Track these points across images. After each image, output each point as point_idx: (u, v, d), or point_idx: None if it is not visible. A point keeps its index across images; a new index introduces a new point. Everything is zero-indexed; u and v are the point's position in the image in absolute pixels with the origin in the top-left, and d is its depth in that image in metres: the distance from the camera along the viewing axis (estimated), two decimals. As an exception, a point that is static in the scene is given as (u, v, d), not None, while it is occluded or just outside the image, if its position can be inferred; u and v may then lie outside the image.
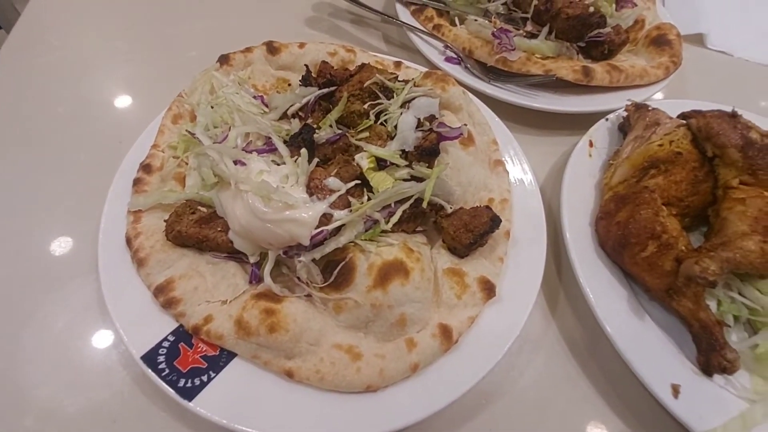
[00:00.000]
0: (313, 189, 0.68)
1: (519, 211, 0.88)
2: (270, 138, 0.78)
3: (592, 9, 1.11)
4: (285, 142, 0.79)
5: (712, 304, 0.80)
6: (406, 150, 0.81)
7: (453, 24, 1.25)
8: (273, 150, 0.75)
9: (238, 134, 0.76)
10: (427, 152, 0.78)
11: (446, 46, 1.19)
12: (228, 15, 1.37)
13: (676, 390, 0.69)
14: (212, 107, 0.83)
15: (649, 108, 0.99)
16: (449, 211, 0.78)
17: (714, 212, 0.84)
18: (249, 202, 0.64)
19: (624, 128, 1.03)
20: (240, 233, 0.68)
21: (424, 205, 0.74)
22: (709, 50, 1.49)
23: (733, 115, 0.86)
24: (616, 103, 1.09)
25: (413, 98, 0.89)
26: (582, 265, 0.82)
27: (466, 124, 0.88)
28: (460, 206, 0.82)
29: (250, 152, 0.75)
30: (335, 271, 0.68)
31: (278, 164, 0.73)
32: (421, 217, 0.82)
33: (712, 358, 0.72)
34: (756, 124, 0.86)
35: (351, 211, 0.69)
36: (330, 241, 0.68)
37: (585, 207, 0.92)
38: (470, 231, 0.76)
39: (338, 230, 0.69)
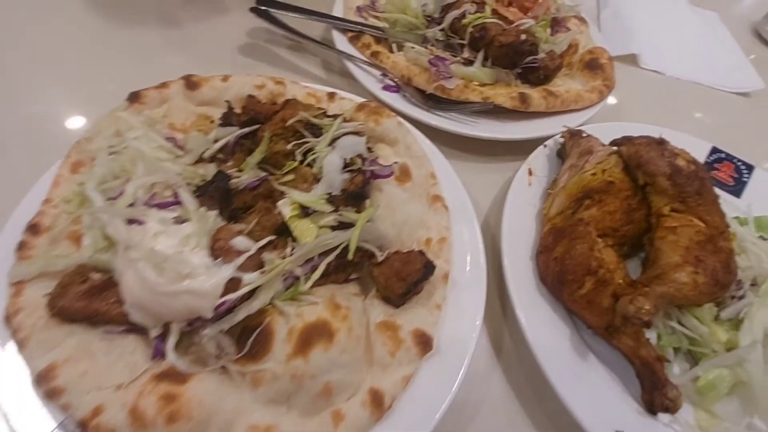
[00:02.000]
0: (218, 251, 0.61)
1: (459, 248, 0.84)
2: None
3: (524, 37, 1.10)
4: (197, 191, 0.71)
5: (653, 337, 0.79)
6: (333, 194, 0.75)
7: (391, 51, 1.22)
8: (179, 203, 0.67)
9: (138, 187, 0.68)
10: (353, 197, 0.73)
11: (384, 74, 1.15)
12: (152, 44, 1.27)
13: (620, 438, 0.66)
14: (112, 155, 0.74)
15: (583, 135, 0.98)
16: (379, 259, 0.73)
17: (649, 241, 0.83)
18: (140, 272, 0.56)
19: (561, 154, 1.02)
20: (135, 305, 0.59)
21: (350, 256, 0.68)
22: (643, 69, 1.54)
23: (661, 143, 0.86)
24: (555, 128, 1.08)
25: (343, 135, 0.84)
26: (522, 303, 0.78)
27: (396, 162, 0.83)
28: (395, 250, 0.76)
29: (154, 206, 0.67)
30: (250, 339, 0.61)
31: (183, 221, 0.65)
32: (353, 266, 0.76)
33: (655, 397, 0.70)
34: (683, 150, 0.86)
35: (264, 272, 0.62)
36: (241, 308, 0.60)
37: (526, 239, 0.89)
38: (402, 280, 0.71)
39: (252, 294, 0.62)
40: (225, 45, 1.31)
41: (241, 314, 0.60)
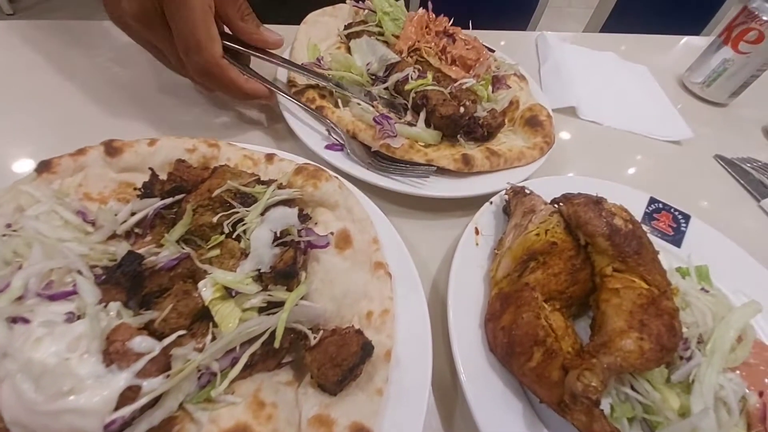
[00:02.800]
0: (113, 355, 0.53)
1: (404, 320, 0.80)
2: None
3: (462, 110, 1.13)
4: (103, 275, 0.64)
5: (606, 406, 0.76)
6: (262, 270, 0.70)
7: (336, 106, 1.21)
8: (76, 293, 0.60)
9: (30, 275, 0.60)
10: (281, 275, 0.68)
11: (329, 130, 1.14)
12: (82, 102, 1.21)
13: None
14: (5, 236, 0.65)
15: (527, 192, 0.99)
16: (312, 342, 0.67)
17: (594, 302, 0.82)
18: (17, 386, 0.48)
19: (507, 211, 1.02)
20: (14, 423, 0.50)
21: (276, 344, 0.62)
22: (582, 120, 1.62)
23: (598, 202, 0.87)
24: (500, 184, 1.08)
25: (275, 204, 0.79)
26: (471, 377, 0.74)
27: (332, 233, 0.80)
28: (330, 330, 0.71)
29: (47, 298, 0.59)
30: (155, 455, 0.53)
31: (78, 317, 0.57)
32: (284, 351, 0.70)
33: (612, 478, 0.66)
34: (620, 208, 0.88)
35: (171, 375, 0.54)
36: (141, 421, 0.52)
37: (475, 304, 0.86)
38: (338, 366, 0.65)
39: (157, 401, 0.54)
40: (159, 105, 1.26)
41: (141, 428, 0.52)
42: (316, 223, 0.87)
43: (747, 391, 0.79)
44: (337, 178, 0.95)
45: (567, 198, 0.91)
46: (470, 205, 1.09)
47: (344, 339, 0.67)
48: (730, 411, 0.74)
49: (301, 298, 0.71)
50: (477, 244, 0.96)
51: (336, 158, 1.08)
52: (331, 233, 0.79)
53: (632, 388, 0.79)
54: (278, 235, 0.73)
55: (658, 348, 0.72)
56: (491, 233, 1.00)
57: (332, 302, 0.77)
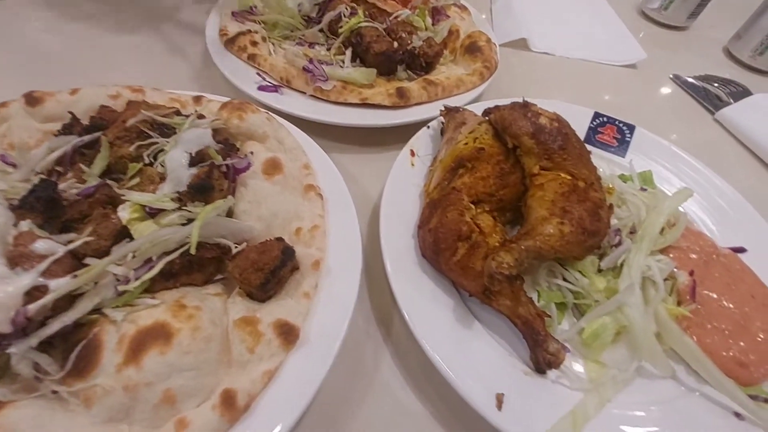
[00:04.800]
0: (17, 258, 0.56)
1: (336, 236, 0.83)
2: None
3: (396, 44, 1.15)
4: (19, 203, 0.67)
5: (534, 296, 0.80)
6: (181, 191, 0.73)
7: (270, 54, 1.23)
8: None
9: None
10: (196, 189, 0.71)
11: (259, 74, 1.16)
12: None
13: (499, 400, 0.65)
14: None
15: (459, 109, 1.02)
16: (234, 251, 0.70)
17: (523, 202, 0.86)
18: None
19: (443, 133, 1.05)
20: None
21: (192, 250, 0.65)
22: (534, 53, 1.64)
23: (525, 105, 0.90)
24: (438, 111, 1.11)
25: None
26: (401, 279, 0.78)
27: (252, 152, 0.83)
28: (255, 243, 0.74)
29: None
30: (73, 354, 0.56)
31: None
32: (211, 265, 0.73)
33: (538, 354, 0.70)
34: (547, 110, 0.90)
35: (78, 275, 0.58)
36: (54, 320, 0.56)
37: (410, 218, 0.90)
38: (260, 270, 0.68)
39: (72, 303, 0.58)
40: (94, 58, 1.28)
41: (54, 326, 0.55)
42: (245, 155, 0.90)
43: (677, 270, 0.83)
44: (266, 112, 0.98)
45: (496, 106, 0.94)
46: (412, 136, 1.11)
47: (265, 246, 0.71)
48: (657, 287, 0.78)
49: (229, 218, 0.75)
50: (413, 165, 0.99)
51: (270, 98, 1.10)
52: (251, 152, 0.82)
53: (564, 279, 0.83)
54: (194, 155, 0.75)
55: (579, 231, 0.76)
56: (428, 154, 1.03)
57: (260, 221, 0.80)
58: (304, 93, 1.14)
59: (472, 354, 0.71)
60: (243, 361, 0.64)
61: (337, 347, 0.67)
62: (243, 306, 0.70)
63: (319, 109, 1.10)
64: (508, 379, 0.70)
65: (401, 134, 1.14)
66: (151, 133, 0.80)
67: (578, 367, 0.75)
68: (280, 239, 0.72)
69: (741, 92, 1.55)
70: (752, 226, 0.98)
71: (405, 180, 0.96)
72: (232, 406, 0.59)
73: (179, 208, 0.71)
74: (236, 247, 0.71)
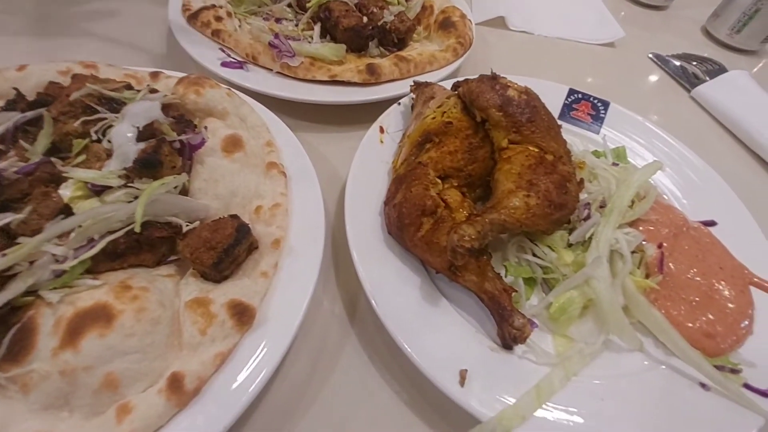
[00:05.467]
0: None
1: (299, 215, 0.81)
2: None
3: (366, 19, 1.11)
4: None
5: (502, 271, 0.79)
6: (127, 167, 0.69)
7: (235, 29, 1.18)
8: None
9: None
10: (142, 164, 0.67)
11: (223, 49, 1.11)
12: None
13: (462, 377, 0.64)
14: None
15: (428, 84, 0.99)
16: (185, 230, 0.67)
17: (491, 176, 0.84)
18: None
19: (414, 109, 1.02)
20: None
21: (136, 228, 0.62)
22: (512, 32, 1.61)
23: (493, 78, 0.88)
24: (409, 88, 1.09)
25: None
26: (364, 258, 0.75)
27: (206, 127, 0.79)
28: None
29: None
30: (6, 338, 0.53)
31: None
32: (165, 244, 0.70)
33: (504, 329, 0.69)
34: (516, 83, 0.88)
35: (6, 254, 0.54)
36: (-19, 302, 0.52)
37: (377, 196, 0.87)
38: (212, 248, 0.65)
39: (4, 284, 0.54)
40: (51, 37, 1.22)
41: (-19, 309, 0.52)
42: (201, 131, 0.86)
43: (646, 243, 0.82)
44: (227, 88, 0.94)
45: (465, 80, 0.92)
46: (383, 113, 1.09)
47: (218, 224, 0.68)
48: (625, 260, 0.77)
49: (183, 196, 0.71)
50: (382, 142, 0.96)
51: (234, 75, 1.06)
52: (205, 127, 0.79)
53: (533, 254, 0.82)
54: (141, 130, 0.71)
55: (546, 204, 0.75)
56: (399, 130, 1.00)
57: (217, 200, 0.77)
58: (271, 70, 1.10)
59: (438, 331, 0.70)
60: (194, 344, 0.61)
61: (294, 328, 0.65)
62: (196, 287, 0.67)
63: (286, 86, 1.07)
64: (474, 355, 0.68)
65: (373, 112, 1.11)
66: (98, 108, 0.76)
67: (547, 342, 0.74)
68: (234, 216, 0.70)
69: (718, 70, 1.54)
70: (723, 200, 0.98)
71: (373, 157, 0.93)
72: (179, 389, 0.56)
73: (125, 186, 0.67)
74: (188, 225, 0.68)
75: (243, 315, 0.63)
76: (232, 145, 0.84)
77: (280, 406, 0.68)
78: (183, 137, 0.76)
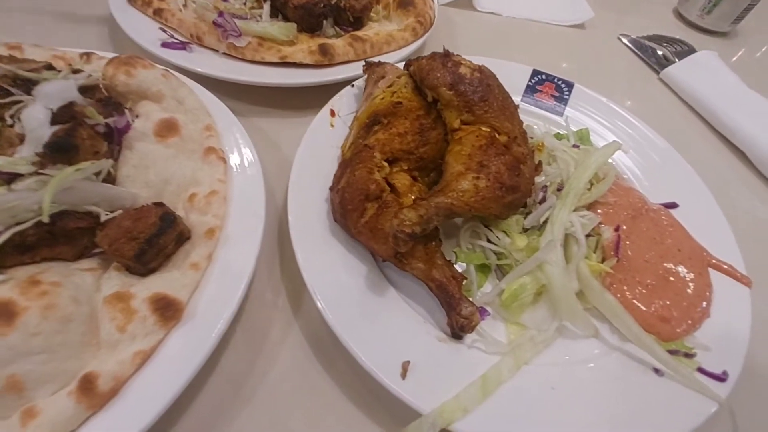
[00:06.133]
0: None
1: (240, 202, 0.76)
2: None
3: None
4: None
5: (453, 258, 0.76)
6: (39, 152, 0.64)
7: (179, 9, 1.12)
8: None
9: None
10: (53, 148, 0.62)
11: (165, 30, 1.06)
12: None
13: (404, 369, 0.61)
14: None
15: (380, 64, 0.95)
16: (103, 219, 0.63)
17: (443, 159, 0.81)
18: None
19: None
20: None
21: (44, 218, 0.57)
22: (480, 13, 1.58)
23: (446, 55, 0.84)
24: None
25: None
26: (307, 247, 0.72)
27: (130, 108, 0.74)
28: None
29: None
30: None
31: None
32: (86, 236, 0.65)
33: (452, 318, 0.66)
34: (468, 60, 0.85)
35: None
36: None
37: (325, 183, 0.83)
38: (134, 239, 0.61)
39: None
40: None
41: None
42: (137, 116, 0.81)
43: (603, 226, 0.81)
44: (164, 69, 0.89)
45: (417, 57, 0.88)
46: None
47: (141, 212, 0.63)
48: (579, 243, 0.75)
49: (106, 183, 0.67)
50: (332, 126, 0.92)
51: (176, 56, 1.00)
52: (129, 109, 0.74)
53: (488, 240, 0.79)
54: (56, 112, 0.66)
55: (497, 186, 0.72)
56: (352, 113, 0.96)
57: (148, 188, 0.72)
58: (217, 51, 1.05)
59: (382, 322, 0.67)
60: (113, 342, 0.57)
61: (224, 323, 0.61)
62: (119, 281, 0.63)
63: (233, 68, 1.02)
64: (420, 346, 0.65)
65: (328, 95, 1.06)
66: (12, 89, 0.70)
67: (500, 331, 0.72)
68: (159, 204, 0.65)
69: (687, 51, 1.53)
70: (686, 181, 0.97)
71: (322, 142, 0.89)
72: (90, 391, 0.52)
73: (36, 173, 0.62)
74: (107, 214, 0.64)
75: (167, 310, 0.59)
76: (167, 129, 0.79)
77: (214, 404, 0.64)
78: (107, 120, 0.71)
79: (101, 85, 0.83)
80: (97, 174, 0.67)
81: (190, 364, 0.57)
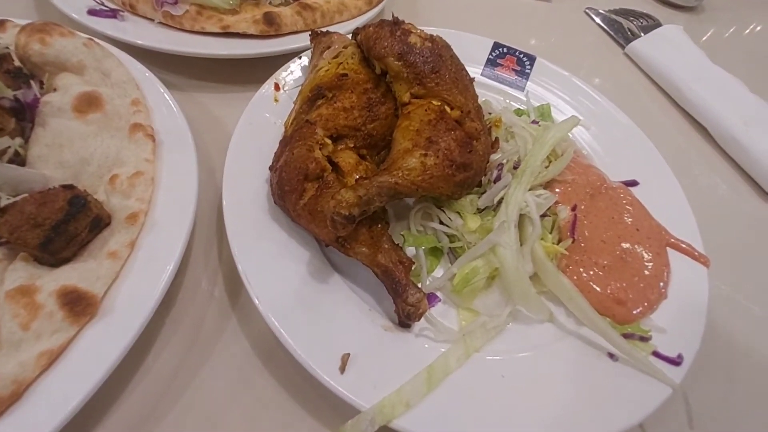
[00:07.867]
0: None
1: (170, 185, 0.71)
2: None
3: None
4: None
5: (400, 241, 0.73)
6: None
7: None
8: None
9: None
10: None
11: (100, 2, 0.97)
12: None
13: (344, 362, 0.58)
14: None
15: (327, 33, 0.90)
16: (3, 204, 0.56)
17: (392, 135, 0.77)
18: None
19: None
20: None
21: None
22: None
23: (395, 22, 0.79)
24: (316, 39, 0.98)
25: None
26: (242, 231, 0.68)
27: (44, 81, 0.67)
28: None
29: None
30: None
31: None
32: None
33: (398, 305, 0.63)
34: (421, 30, 0.80)
35: None
36: None
37: (266, 161, 0.78)
38: (38, 226, 0.55)
39: None
40: None
41: None
42: (55, 89, 0.74)
43: (560, 206, 0.78)
44: (87, 38, 0.81)
45: (365, 26, 0.83)
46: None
47: (46, 197, 0.57)
48: (534, 224, 0.73)
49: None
50: (276, 101, 0.87)
51: (105, 25, 0.92)
52: (41, 81, 0.67)
53: (441, 222, 0.76)
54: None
55: (446, 164, 0.68)
56: (298, 87, 0.90)
57: (63, 169, 0.66)
58: (153, 20, 0.97)
59: (324, 312, 0.63)
60: (15, 342, 0.52)
61: (144, 317, 0.56)
62: (25, 273, 0.57)
63: (170, 39, 0.94)
64: (364, 337, 0.62)
65: (275, 68, 1.00)
66: None
67: (452, 317, 0.69)
68: (69, 186, 0.59)
69: (654, 26, 1.52)
70: (647, 159, 0.95)
71: (265, 118, 0.84)
72: (-18, 397, 0.47)
73: None
74: (9, 199, 0.57)
75: (77, 304, 0.54)
76: (87, 104, 0.72)
77: (141, 404, 0.60)
78: (12, 94, 0.64)
79: (13, 55, 0.75)
80: (1, 154, 0.61)
81: (102, 364, 0.52)
